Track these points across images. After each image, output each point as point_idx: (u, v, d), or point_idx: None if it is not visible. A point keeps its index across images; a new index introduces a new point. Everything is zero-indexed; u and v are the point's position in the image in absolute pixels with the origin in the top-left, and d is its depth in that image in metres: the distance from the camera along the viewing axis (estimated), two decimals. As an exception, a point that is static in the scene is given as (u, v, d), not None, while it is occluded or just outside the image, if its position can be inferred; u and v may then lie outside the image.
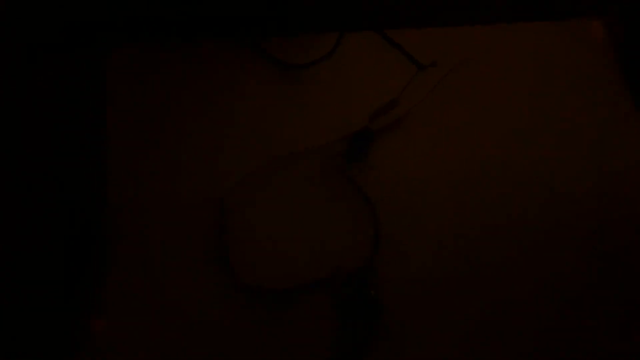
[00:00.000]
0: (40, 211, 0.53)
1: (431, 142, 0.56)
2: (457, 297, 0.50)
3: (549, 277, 0.51)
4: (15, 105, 0.56)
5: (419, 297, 0.49)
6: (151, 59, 0.59)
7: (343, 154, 0.54)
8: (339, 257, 0.50)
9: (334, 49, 0.59)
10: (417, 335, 0.48)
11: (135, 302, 0.49)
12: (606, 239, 0.52)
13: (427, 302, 0.49)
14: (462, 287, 0.50)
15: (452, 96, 0.57)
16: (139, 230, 0.52)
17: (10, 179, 0.53)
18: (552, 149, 0.56)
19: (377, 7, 0.62)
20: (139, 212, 0.53)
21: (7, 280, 0.50)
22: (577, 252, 0.52)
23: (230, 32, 0.60)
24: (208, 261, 0.51)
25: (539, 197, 0.54)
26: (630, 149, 0.56)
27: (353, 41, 0.59)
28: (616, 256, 0.52)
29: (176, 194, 0.53)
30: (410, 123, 0.56)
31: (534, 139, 0.56)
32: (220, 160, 0.55)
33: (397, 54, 0.59)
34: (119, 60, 0.59)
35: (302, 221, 0.52)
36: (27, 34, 0.59)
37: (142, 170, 0.54)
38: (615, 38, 0.61)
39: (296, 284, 0.49)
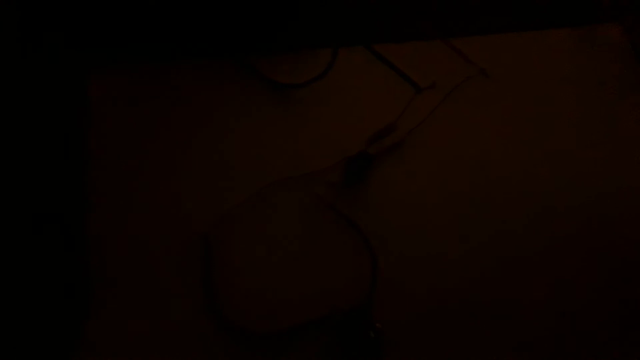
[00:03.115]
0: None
1: (432, 167, 0.53)
2: (461, 330, 0.47)
3: (554, 311, 0.48)
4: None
5: (420, 332, 0.47)
6: (136, 83, 0.55)
7: (339, 179, 0.51)
8: (334, 294, 0.47)
9: (328, 69, 0.56)
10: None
11: (120, 346, 0.46)
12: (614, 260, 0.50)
13: (429, 337, 0.47)
14: (466, 319, 0.47)
15: (453, 117, 0.55)
16: (123, 267, 0.49)
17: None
18: (563, 166, 0.53)
19: (371, 22, 0.59)
20: (123, 248, 0.49)
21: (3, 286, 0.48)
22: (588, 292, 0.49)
23: (219, 50, 0.57)
24: (195, 301, 0.47)
25: (547, 221, 0.51)
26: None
27: (347, 61, 0.56)
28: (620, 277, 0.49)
29: (161, 229, 0.49)
30: (409, 147, 0.53)
31: (542, 159, 0.53)
32: (208, 191, 0.51)
33: (394, 73, 0.56)
34: (101, 85, 0.55)
35: (294, 256, 0.49)
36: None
37: (126, 203, 0.51)
38: (635, 42, 0.58)
39: (289, 325, 0.46)
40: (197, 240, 0.49)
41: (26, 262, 0.49)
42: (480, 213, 0.51)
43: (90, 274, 0.48)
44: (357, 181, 0.52)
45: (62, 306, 0.48)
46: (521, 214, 0.51)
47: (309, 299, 0.47)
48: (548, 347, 0.47)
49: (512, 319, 0.48)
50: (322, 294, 0.47)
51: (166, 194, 0.51)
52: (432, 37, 0.57)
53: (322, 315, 0.46)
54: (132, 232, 0.50)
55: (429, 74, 0.55)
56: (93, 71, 0.56)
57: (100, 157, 0.52)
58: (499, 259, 0.49)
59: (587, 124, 0.54)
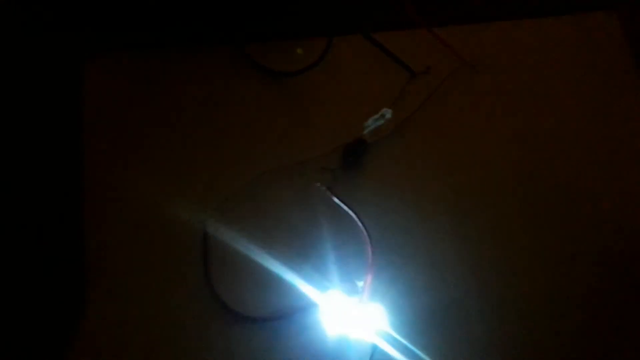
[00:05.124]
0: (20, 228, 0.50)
1: (429, 154, 0.53)
2: (457, 324, 0.47)
3: (551, 308, 0.48)
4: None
5: (416, 322, 0.47)
6: (129, 71, 0.55)
7: (335, 167, 0.51)
8: (331, 279, 0.48)
9: (323, 56, 0.55)
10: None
11: (118, 334, 0.47)
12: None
13: (425, 328, 0.47)
14: (463, 313, 0.48)
15: (449, 103, 0.54)
16: (119, 255, 0.49)
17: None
18: (563, 154, 0.53)
19: (367, 10, 0.58)
20: (118, 240, 0.50)
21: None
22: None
23: (214, 38, 0.57)
24: (193, 289, 0.48)
25: (549, 212, 0.51)
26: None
27: (342, 48, 0.56)
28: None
29: (157, 219, 0.50)
30: (405, 133, 0.53)
31: (541, 145, 0.53)
32: (204, 180, 0.51)
33: (388, 60, 0.56)
34: (95, 70, 0.55)
35: (291, 242, 0.49)
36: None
37: (121, 190, 0.51)
38: (631, 30, 0.56)
39: (285, 310, 0.47)
40: (194, 228, 0.49)
41: (20, 257, 0.49)
42: (476, 201, 0.51)
43: (85, 267, 0.49)
44: (355, 168, 0.52)
45: (57, 300, 0.48)
46: (519, 204, 0.51)
47: (305, 284, 0.47)
48: (544, 344, 0.47)
49: (508, 314, 0.48)
50: (319, 280, 0.48)
51: (162, 183, 0.51)
52: (425, 25, 0.56)
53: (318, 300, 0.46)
54: (127, 224, 0.50)
55: (424, 60, 0.55)
56: (87, 58, 0.55)
57: (94, 145, 0.52)
58: (495, 251, 0.49)
59: (582, 115, 0.54)
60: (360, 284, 0.46)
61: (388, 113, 0.51)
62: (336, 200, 0.49)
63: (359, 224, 0.48)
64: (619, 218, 0.51)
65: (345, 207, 0.49)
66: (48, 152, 0.53)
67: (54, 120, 0.54)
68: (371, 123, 0.51)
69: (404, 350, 0.45)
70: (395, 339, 0.45)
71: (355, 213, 0.48)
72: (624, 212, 0.51)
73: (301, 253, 0.49)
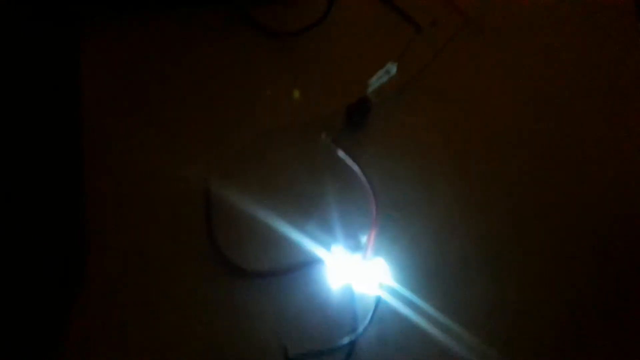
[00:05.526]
0: (15, 212, 0.49)
1: (434, 113, 0.52)
2: (460, 274, 0.47)
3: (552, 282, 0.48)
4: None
5: (420, 277, 0.47)
6: (128, 32, 0.54)
7: (340, 126, 0.51)
8: (334, 236, 0.48)
9: (326, 14, 0.54)
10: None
11: (119, 292, 0.47)
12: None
13: (423, 289, 0.46)
14: (466, 263, 0.48)
15: (456, 63, 0.53)
16: (121, 214, 0.49)
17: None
18: (570, 116, 0.52)
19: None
20: (120, 194, 0.49)
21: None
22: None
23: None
24: (197, 244, 0.48)
25: (554, 173, 0.50)
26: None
27: (346, 4, 0.55)
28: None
29: (160, 174, 0.49)
30: (410, 93, 0.52)
31: (547, 107, 0.52)
32: (207, 141, 0.51)
33: (393, 16, 0.55)
34: (92, 38, 0.54)
35: (294, 201, 0.49)
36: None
37: (121, 150, 0.50)
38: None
39: (290, 266, 0.46)
40: (197, 186, 0.49)
41: (19, 218, 0.48)
42: (480, 160, 0.50)
43: (86, 227, 0.48)
44: (359, 127, 0.51)
45: (57, 260, 0.48)
46: (523, 163, 0.50)
47: (309, 240, 0.47)
48: (543, 304, 0.47)
49: (509, 270, 0.47)
50: (323, 236, 0.47)
51: (164, 141, 0.51)
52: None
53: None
54: (129, 183, 0.49)
55: (430, 13, 0.54)
56: (86, 20, 0.54)
57: (95, 106, 0.52)
58: (498, 209, 0.49)
59: (589, 74, 0.53)
60: (364, 239, 0.46)
61: (393, 68, 0.50)
62: (341, 153, 0.49)
63: (363, 178, 0.48)
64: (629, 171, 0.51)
65: (350, 161, 0.48)
66: (47, 113, 0.52)
67: (52, 81, 0.53)
68: (376, 80, 0.51)
69: (407, 302, 0.44)
70: (398, 292, 0.45)
71: (360, 167, 0.48)
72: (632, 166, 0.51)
73: (305, 209, 0.48)
